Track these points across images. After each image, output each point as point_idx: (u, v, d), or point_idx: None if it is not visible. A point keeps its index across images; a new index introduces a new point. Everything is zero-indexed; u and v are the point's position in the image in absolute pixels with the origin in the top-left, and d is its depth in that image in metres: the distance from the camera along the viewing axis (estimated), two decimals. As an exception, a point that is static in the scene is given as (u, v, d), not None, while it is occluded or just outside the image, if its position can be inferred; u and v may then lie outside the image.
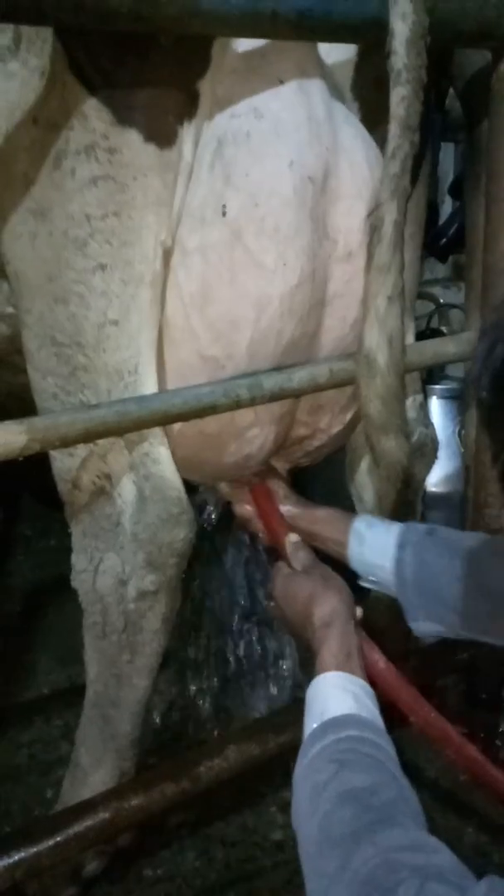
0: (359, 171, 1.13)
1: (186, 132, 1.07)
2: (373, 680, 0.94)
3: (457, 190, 2.21)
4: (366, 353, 1.11)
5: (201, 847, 1.53)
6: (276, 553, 1.17)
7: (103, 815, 1.19)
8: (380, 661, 1.01)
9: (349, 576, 1.16)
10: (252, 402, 1.15)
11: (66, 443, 1.07)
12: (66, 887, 1.34)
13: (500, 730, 1.68)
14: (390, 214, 1.07)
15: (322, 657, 0.92)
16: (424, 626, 1.16)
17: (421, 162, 1.16)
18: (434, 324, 2.53)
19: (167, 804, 1.25)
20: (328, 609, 0.97)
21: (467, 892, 0.61)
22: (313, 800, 0.74)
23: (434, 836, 0.69)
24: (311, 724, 0.83)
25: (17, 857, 1.10)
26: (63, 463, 1.22)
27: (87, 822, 1.17)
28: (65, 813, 1.21)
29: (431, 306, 2.58)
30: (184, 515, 1.15)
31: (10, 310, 1.43)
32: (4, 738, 1.79)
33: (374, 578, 1.18)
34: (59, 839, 1.14)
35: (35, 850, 1.12)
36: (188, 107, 1.06)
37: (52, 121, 1.07)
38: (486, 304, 1.42)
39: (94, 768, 1.31)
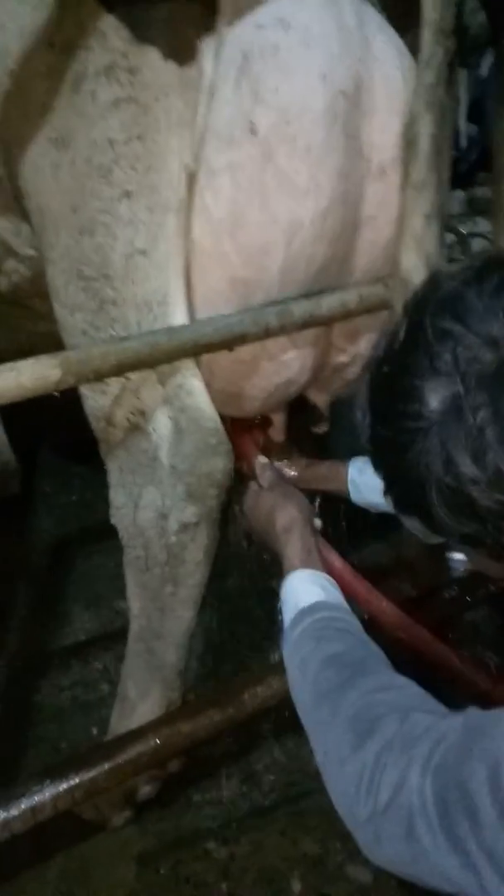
0: (392, 83, 1.08)
1: (207, 47, 1.02)
2: (332, 578, 1.05)
3: (476, 115, 2.13)
4: (402, 276, 1.09)
5: (246, 773, 1.59)
6: (247, 475, 1.27)
7: (154, 740, 1.22)
8: (336, 560, 1.10)
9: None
10: (282, 331, 1.13)
11: (100, 376, 1.06)
12: (121, 810, 1.39)
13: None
14: (426, 128, 1.03)
15: (287, 558, 1.06)
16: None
17: (455, 70, 1.11)
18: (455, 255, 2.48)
19: (214, 730, 1.29)
20: (287, 517, 1.11)
21: (447, 717, 0.72)
22: (303, 669, 0.89)
23: (402, 676, 0.83)
24: (289, 614, 0.97)
25: (75, 780, 1.14)
26: (96, 401, 1.22)
27: (140, 748, 1.21)
28: (119, 740, 1.25)
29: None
30: (222, 446, 1.15)
31: (30, 251, 1.40)
32: (46, 682, 1.84)
33: (381, 510, 1.30)
34: (113, 764, 1.18)
35: (92, 773, 1.16)
36: (207, 19, 1.02)
37: (68, 43, 1.03)
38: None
39: (142, 699, 1.35)
